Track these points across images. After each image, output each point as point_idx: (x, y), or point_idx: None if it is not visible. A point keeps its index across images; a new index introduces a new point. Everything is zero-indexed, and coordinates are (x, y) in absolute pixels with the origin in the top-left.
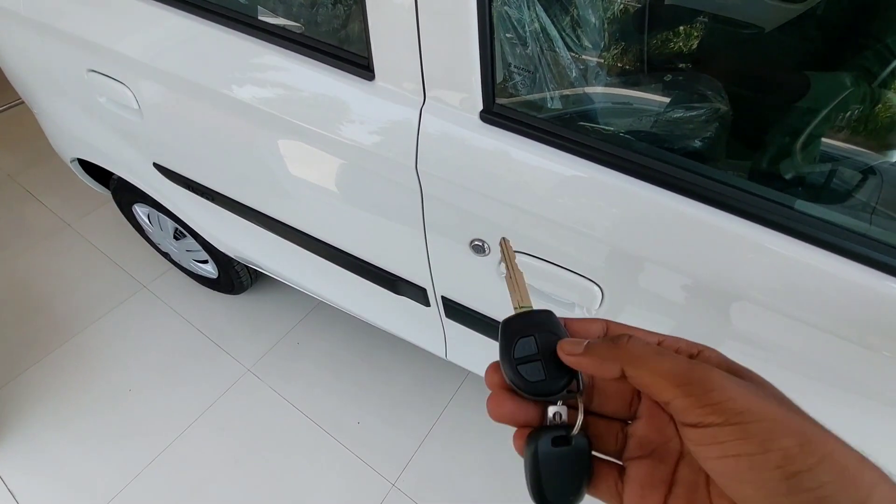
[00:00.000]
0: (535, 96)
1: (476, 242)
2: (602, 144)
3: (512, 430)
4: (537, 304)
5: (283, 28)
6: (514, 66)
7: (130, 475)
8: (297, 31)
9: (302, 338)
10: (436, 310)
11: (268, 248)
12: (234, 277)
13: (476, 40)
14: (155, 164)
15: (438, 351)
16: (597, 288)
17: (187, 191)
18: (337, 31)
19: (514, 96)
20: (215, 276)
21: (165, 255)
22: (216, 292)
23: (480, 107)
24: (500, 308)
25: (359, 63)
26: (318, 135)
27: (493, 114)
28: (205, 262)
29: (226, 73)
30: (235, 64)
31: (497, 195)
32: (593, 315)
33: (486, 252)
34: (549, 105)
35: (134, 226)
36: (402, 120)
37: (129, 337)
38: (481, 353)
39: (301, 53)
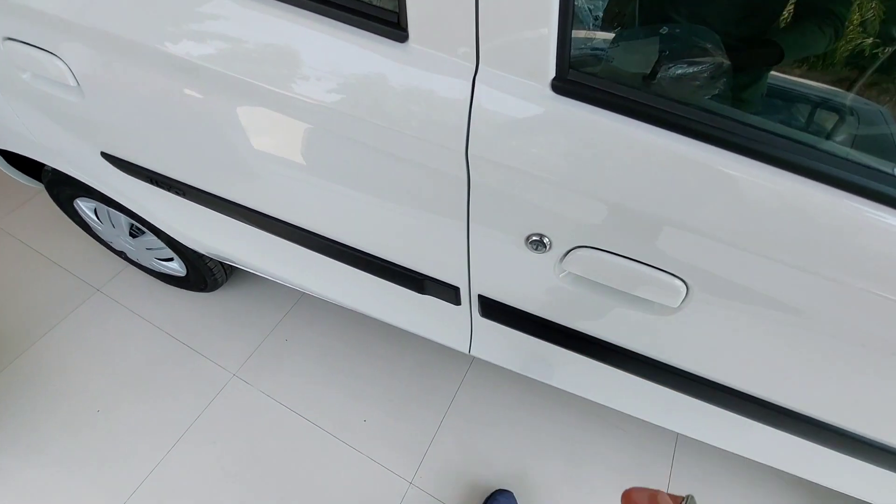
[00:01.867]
0: (619, 61)
1: (534, 237)
2: (704, 117)
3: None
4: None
5: None
6: (595, 23)
7: None
8: None
9: (290, 333)
10: (467, 308)
11: (255, 246)
12: (206, 274)
13: None
14: (104, 154)
15: (460, 347)
16: (679, 283)
17: (149, 184)
18: None
19: (591, 62)
20: (183, 274)
21: (120, 253)
22: (185, 291)
23: (552, 74)
24: (553, 308)
25: (385, 19)
26: (326, 112)
27: (569, 82)
28: (169, 259)
29: (197, 35)
30: (211, 23)
31: (569, 182)
32: (674, 308)
33: (547, 248)
34: (635, 71)
35: (77, 222)
36: (446, 93)
37: (87, 349)
38: (512, 348)
39: (304, 7)
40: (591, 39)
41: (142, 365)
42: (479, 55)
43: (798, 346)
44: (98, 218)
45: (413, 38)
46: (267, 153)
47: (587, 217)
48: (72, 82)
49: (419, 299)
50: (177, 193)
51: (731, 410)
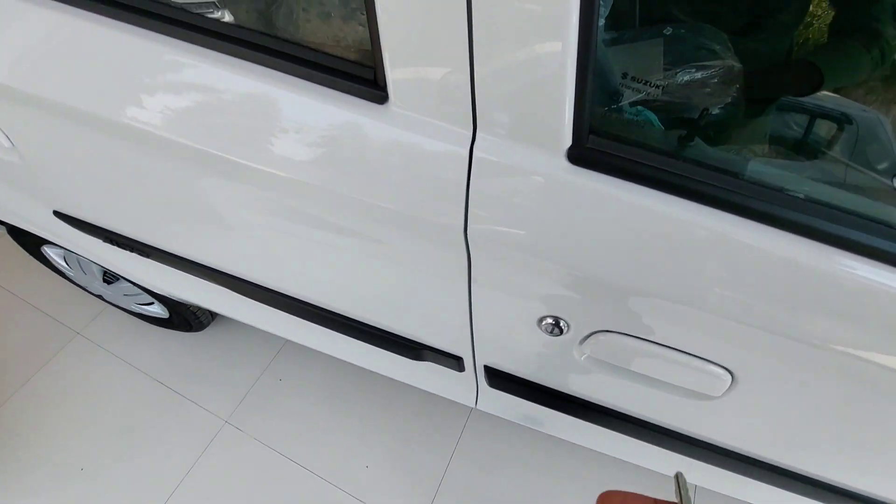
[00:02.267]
0: (645, 125)
1: (549, 320)
2: (752, 190)
3: None
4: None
5: (229, 26)
6: (626, 81)
7: None
8: (253, 30)
9: (283, 372)
10: (471, 374)
11: (234, 304)
12: (189, 317)
13: (574, 43)
14: (57, 213)
15: (466, 402)
16: (722, 371)
17: (109, 245)
18: (317, 29)
19: (613, 120)
20: (166, 317)
21: (98, 295)
22: (171, 330)
23: (568, 143)
24: (573, 384)
25: (360, 77)
26: (293, 185)
27: (589, 150)
28: (150, 304)
29: (146, 98)
30: (160, 82)
31: (589, 264)
32: (716, 398)
33: (564, 331)
34: (662, 136)
35: (48, 266)
36: (439, 163)
37: (69, 399)
38: (523, 410)
39: (261, 63)
40: (611, 91)
41: (127, 414)
42: (476, 119)
43: (854, 424)
44: (68, 265)
45: (394, 100)
46: (233, 222)
47: (611, 302)
48: (6, 143)
49: (417, 363)
50: (140, 255)
51: (760, 480)
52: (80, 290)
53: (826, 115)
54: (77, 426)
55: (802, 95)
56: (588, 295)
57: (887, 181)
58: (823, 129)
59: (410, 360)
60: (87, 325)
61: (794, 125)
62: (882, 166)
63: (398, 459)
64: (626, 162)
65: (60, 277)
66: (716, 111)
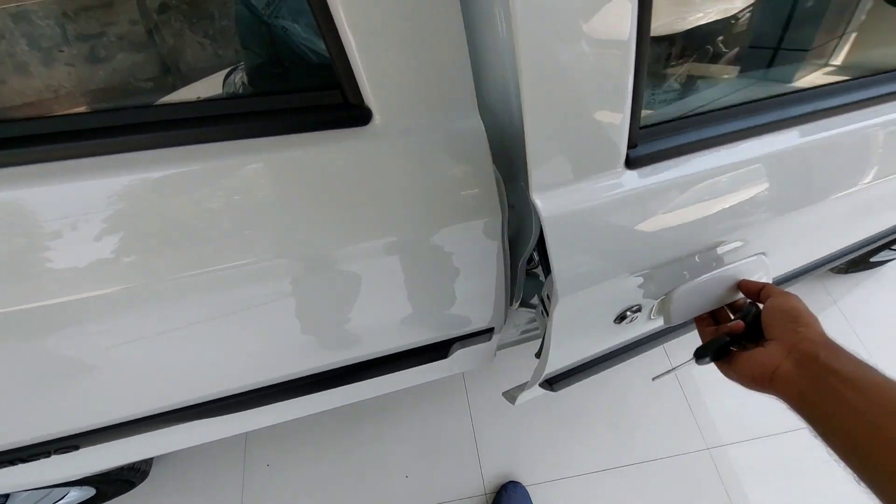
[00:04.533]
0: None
1: (624, 313)
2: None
3: None
4: None
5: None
6: None
7: None
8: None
9: (265, 457)
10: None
11: (186, 433)
12: (126, 475)
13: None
14: None
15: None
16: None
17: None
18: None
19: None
20: (93, 494)
21: None
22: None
23: (624, 154)
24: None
25: (322, 105)
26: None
27: (642, 148)
28: (63, 497)
29: None
30: None
31: (666, 249)
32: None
33: (638, 313)
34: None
35: None
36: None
37: None
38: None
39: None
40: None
41: None
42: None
43: None
44: None
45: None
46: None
47: (686, 262)
48: None
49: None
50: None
51: None
52: None
53: None
54: None
55: None
56: (667, 267)
57: None
58: None
59: (438, 363)
60: None
61: None
62: None
63: (427, 451)
64: (674, 136)
65: None
66: None
